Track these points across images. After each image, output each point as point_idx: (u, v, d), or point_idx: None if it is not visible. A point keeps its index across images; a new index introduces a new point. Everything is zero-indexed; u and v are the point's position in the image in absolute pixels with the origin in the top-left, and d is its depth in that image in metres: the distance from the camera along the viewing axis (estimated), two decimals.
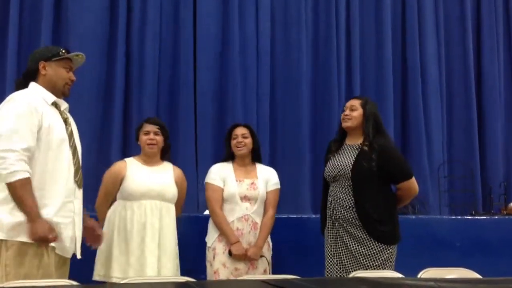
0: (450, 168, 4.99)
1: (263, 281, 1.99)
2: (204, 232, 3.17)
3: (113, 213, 2.99)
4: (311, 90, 4.72)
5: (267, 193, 3.16)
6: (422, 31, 5.07)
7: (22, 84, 2.52)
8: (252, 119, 4.36)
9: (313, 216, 3.95)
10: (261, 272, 3.05)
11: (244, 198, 3.11)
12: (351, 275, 2.63)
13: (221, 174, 3.18)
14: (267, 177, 3.21)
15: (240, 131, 3.23)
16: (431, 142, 4.92)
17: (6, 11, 4.02)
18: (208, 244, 3.11)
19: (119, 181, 2.99)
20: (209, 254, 3.10)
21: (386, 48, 4.91)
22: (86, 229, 2.55)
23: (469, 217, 4.18)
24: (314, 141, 4.62)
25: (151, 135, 3.05)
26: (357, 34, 4.87)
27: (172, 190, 3.06)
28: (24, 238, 2.29)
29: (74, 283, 2.07)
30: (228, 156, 3.27)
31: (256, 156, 3.28)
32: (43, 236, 2.29)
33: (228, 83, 4.42)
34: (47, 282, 2.09)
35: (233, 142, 3.22)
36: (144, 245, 2.88)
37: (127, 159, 3.13)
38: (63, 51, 2.55)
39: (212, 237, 3.11)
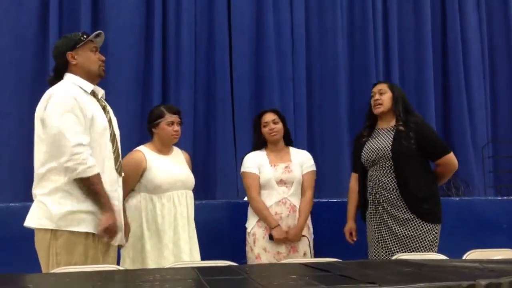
0: (495, 147, 4.84)
1: (304, 264, 1.99)
2: (244, 218, 3.20)
3: (136, 207, 2.85)
4: (348, 74, 4.64)
5: (303, 175, 3.18)
6: (462, 6, 4.90)
7: (53, 81, 2.49)
8: (289, 104, 4.34)
9: None
10: (302, 254, 3.06)
11: (280, 182, 3.13)
12: (395, 257, 2.61)
13: (255, 162, 3.19)
14: (301, 160, 3.22)
15: (270, 117, 3.22)
16: (475, 121, 4.78)
17: (46, 13, 4.11)
18: (248, 230, 3.15)
19: (140, 172, 2.87)
20: (249, 239, 3.14)
21: (425, 27, 4.77)
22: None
23: None
24: (352, 125, 4.55)
25: (175, 127, 2.96)
26: (394, 12, 4.75)
27: (192, 178, 3.03)
28: (73, 228, 2.32)
29: (121, 268, 2.13)
30: (260, 143, 3.27)
31: (288, 140, 3.28)
32: (112, 229, 2.35)
33: (264, 69, 4.40)
34: (97, 267, 2.12)
35: (265, 129, 3.22)
36: (178, 235, 2.85)
37: (141, 149, 2.96)
38: (84, 35, 2.51)
39: (251, 222, 3.15)
